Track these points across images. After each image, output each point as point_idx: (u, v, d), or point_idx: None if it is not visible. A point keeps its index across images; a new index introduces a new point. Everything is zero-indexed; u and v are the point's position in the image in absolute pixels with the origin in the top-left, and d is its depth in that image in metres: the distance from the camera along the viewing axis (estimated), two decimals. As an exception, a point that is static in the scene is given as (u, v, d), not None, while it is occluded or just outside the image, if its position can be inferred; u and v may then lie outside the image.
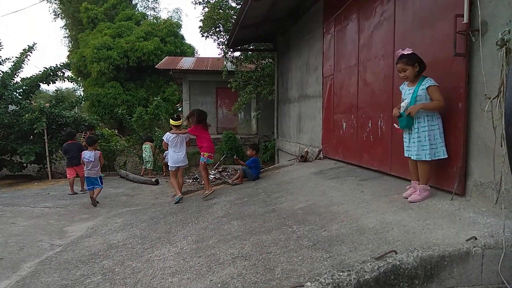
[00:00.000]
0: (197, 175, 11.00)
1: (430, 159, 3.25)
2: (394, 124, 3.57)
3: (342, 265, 2.46)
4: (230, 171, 11.01)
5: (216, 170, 11.36)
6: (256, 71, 12.76)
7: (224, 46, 12.93)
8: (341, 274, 2.28)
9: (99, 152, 6.86)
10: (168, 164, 6.44)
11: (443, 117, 3.31)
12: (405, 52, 3.29)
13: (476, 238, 2.40)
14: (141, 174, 10.98)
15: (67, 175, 7.98)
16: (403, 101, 3.38)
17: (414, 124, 3.29)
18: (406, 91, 3.38)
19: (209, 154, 5.95)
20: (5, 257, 3.90)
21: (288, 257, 2.80)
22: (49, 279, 3.23)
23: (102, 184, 6.74)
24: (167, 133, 6.33)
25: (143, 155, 11.25)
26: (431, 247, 2.38)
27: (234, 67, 13.46)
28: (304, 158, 7.02)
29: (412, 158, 3.38)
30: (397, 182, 4.26)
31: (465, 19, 3.08)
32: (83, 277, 3.20)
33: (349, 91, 5.78)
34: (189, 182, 10.25)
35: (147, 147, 11.20)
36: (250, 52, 13.02)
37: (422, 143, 3.24)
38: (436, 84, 3.22)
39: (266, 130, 15.48)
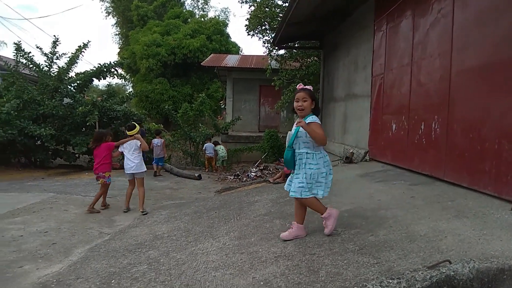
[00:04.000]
0: (238, 172, 11.09)
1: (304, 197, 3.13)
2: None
3: (390, 272, 2.35)
4: (271, 169, 10.99)
5: (257, 168, 11.39)
6: (301, 70, 12.62)
7: (269, 44, 12.91)
8: (390, 281, 2.18)
9: (163, 140, 9.76)
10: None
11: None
12: (307, 87, 3.23)
13: (541, 253, 2.20)
14: (213, 170, 11.92)
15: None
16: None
17: (296, 160, 3.15)
18: (294, 124, 3.21)
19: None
20: (58, 242, 4.12)
21: (332, 260, 2.72)
22: (98, 266, 3.36)
23: (163, 163, 9.95)
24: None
25: (222, 154, 12.26)
26: (489, 259, 2.22)
27: (278, 65, 13.41)
28: (349, 160, 6.84)
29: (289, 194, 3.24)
30: (451, 188, 4.02)
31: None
32: (129, 265, 3.30)
33: (401, 91, 5.54)
34: (230, 178, 10.36)
35: (222, 147, 12.36)
36: (295, 50, 12.90)
37: (300, 180, 3.11)
38: (319, 122, 3.11)
39: (309, 129, 15.28)
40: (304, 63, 12.94)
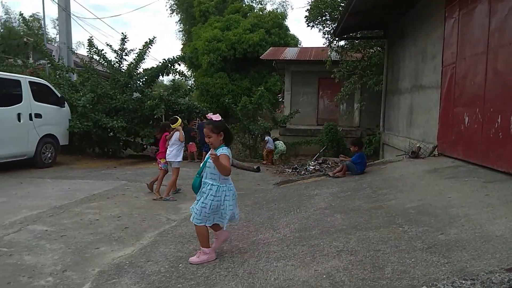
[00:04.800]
0: (296, 166, 11.07)
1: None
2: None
3: (463, 272, 2.22)
4: (330, 163, 10.82)
5: (316, 161, 11.27)
6: (363, 61, 12.21)
7: (329, 36, 12.63)
8: (464, 282, 2.06)
9: None
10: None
11: None
12: (214, 118, 3.17)
13: None
14: (270, 162, 12.05)
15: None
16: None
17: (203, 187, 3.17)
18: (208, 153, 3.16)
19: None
20: (130, 226, 4.43)
21: (399, 257, 2.63)
22: (167, 250, 3.56)
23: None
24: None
25: (281, 148, 12.47)
26: None
27: (338, 56, 13.09)
28: (415, 154, 6.51)
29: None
30: (533, 187, 3.68)
31: None
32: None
33: (475, 81, 5.14)
34: (288, 171, 10.37)
35: (281, 142, 12.57)
36: (356, 41, 12.50)
37: (198, 207, 3.14)
38: (227, 154, 3.09)
39: (369, 123, 14.79)
40: (366, 53, 12.49)
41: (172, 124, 6.05)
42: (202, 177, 3.20)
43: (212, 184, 3.13)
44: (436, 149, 6.33)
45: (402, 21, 8.71)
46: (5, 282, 2.87)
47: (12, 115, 7.80)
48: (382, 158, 9.85)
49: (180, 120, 6.16)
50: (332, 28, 11.93)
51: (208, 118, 3.25)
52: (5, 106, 7.68)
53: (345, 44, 12.90)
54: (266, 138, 12.71)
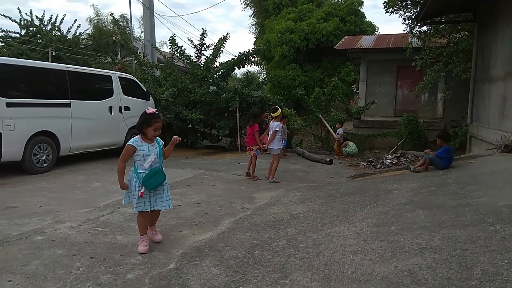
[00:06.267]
0: (371, 159, 10.66)
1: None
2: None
3: None
4: (409, 157, 10.22)
5: (394, 155, 10.73)
6: (448, 47, 11.25)
7: (411, 21, 11.85)
8: None
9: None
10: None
11: None
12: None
13: None
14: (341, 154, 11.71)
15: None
16: (144, 157, 3.39)
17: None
18: (149, 147, 3.42)
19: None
20: (209, 212, 4.66)
21: (490, 258, 2.43)
22: (243, 237, 3.70)
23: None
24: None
25: (352, 149, 11.82)
26: None
27: (420, 43, 12.22)
28: (509, 148, 5.89)
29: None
30: None
31: None
32: (270, 239, 3.54)
33: None
34: (363, 165, 10.03)
35: (354, 145, 11.96)
36: (441, 26, 11.54)
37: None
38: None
39: (455, 114, 13.65)
40: (452, 39, 11.50)
41: (272, 113, 6.67)
42: None
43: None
44: (535, 143, 5.66)
45: (493, 2, 7.85)
46: (102, 258, 3.22)
47: (105, 108, 8.62)
48: (470, 152, 9.05)
49: (280, 110, 6.71)
50: (414, 13, 11.16)
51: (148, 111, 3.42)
52: (99, 100, 8.52)
53: (428, 30, 12.00)
54: (338, 131, 12.31)
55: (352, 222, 3.80)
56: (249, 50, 11.67)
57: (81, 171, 7.38)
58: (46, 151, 7.15)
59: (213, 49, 11.94)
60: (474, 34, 9.55)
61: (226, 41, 11.98)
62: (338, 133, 12.12)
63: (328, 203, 4.84)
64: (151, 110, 3.42)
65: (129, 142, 3.41)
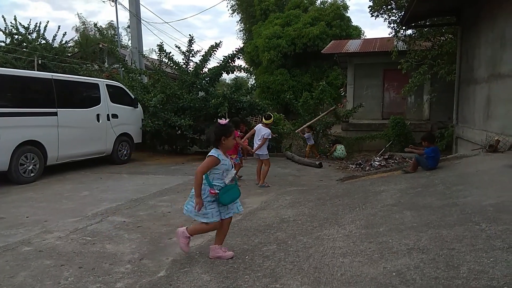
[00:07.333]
0: (360, 161, 10.74)
1: None
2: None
3: (552, 276, 2.03)
4: (397, 158, 10.34)
5: (381, 157, 10.84)
6: (433, 49, 11.45)
7: (395, 25, 12.03)
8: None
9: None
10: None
11: None
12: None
13: None
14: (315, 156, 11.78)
15: None
16: (224, 172, 3.21)
17: None
18: (228, 162, 3.27)
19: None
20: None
21: (475, 256, 2.47)
22: (233, 242, 3.69)
23: None
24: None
25: (340, 153, 12.01)
26: None
27: (406, 46, 12.40)
28: (493, 148, 6.00)
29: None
30: None
31: None
32: (260, 244, 3.54)
33: None
34: (352, 167, 10.11)
35: (342, 148, 12.18)
36: (425, 29, 11.75)
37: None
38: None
39: (441, 115, 13.86)
40: (436, 42, 11.70)
41: (266, 120, 6.93)
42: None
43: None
44: (518, 142, 5.78)
45: (477, 5, 8.03)
46: (90, 267, 3.18)
47: (92, 116, 8.55)
48: (456, 152, 9.20)
49: (273, 117, 6.96)
50: (399, 17, 11.34)
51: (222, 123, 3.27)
52: (86, 108, 8.44)
53: (413, 33, 12.20)
54: (307, 135, 12.17)
55: (342, 224, 3.83)
56: (233, 51, 11.60)
57: (69, 180, 7.30)
58: (33, 161, 7.06)
59: (202, 55, 11.93)
60: (458, 36, 9.74)
61: (217, 49, 11.94)
62: (307, 138, 12.09)
63: (317, 206, 4.87)
64: (224, 121, 3.29)
65: (213, 154, 3.15)
